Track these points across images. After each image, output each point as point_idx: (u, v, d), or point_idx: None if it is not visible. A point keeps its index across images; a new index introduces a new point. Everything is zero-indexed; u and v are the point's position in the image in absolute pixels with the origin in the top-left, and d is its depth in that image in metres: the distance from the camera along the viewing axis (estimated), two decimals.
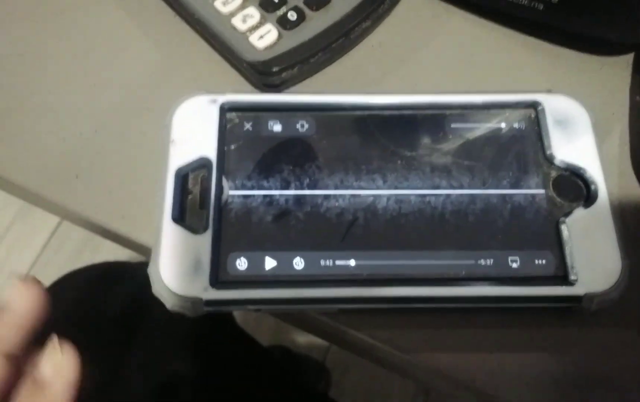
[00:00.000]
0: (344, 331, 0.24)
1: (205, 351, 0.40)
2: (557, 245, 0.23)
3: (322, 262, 0.23)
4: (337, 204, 0.24)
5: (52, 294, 0.37)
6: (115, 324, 0.39)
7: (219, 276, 0.22)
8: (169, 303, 0.22)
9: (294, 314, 0.25)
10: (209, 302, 0.22)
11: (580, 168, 0.24)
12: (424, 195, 0.24)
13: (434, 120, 0.25)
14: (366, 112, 0.26)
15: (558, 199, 0.24)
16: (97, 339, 0.38)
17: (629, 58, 0.28)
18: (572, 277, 0.22)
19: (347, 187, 0.24)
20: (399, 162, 0.24)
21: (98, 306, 0.40)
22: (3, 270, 0.88)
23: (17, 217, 0.91)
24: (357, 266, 0.23)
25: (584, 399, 0.22)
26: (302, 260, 0.23)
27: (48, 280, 0.42)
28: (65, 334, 0.37)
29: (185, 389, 0.37)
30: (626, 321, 0.23)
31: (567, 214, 0.23)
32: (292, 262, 0.23)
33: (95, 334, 0.38)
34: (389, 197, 0.24)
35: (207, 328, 0.40)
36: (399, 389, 0.66)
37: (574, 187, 0.24)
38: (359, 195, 0.24)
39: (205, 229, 0.23)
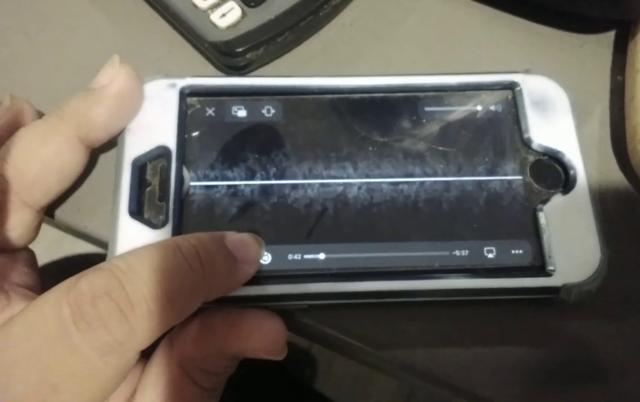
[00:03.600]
0: (314, 327, 0.23)
1: None
2: (535, 234, 0.22)
3: (290, 256, 0.22)
4: (305, 194, 0.22)
5: None
6: None
7: None
8: None
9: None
10: None
11: (558, 152, 0.23)
12: (397, 184, 0.23)
13: (406, 104, 0.24)
14: (336, 96, 0.24)
15: (535, 185, 0.23)
16: None
17: (611, 36, 0.27)
18: (550, 268, 0.21)
19: (315, 176, 0.23)
20: (370, 148, 0.23)
21: None
22: None
23: None
24: (326, 260, 0.22)
25: (563, 392, 0.21)
26: (269, 254, 0.22)
27: None
28: None
29: None
30: (606, 311, 0.22)
31: (545, 201, 0.22)
32: None
33: None
34: (359, 186, 0.23)
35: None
36: (385, 379, 0.66)
37: (552, 172, 0.23)
38: (328, 185, 0.23)
39: (164, 223, 0.22)
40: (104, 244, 0.23)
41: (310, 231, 0.22)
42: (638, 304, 0.22)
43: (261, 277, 0.21)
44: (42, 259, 0.42)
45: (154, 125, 0.23)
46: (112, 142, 0.23)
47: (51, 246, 0.83)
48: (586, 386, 0.21)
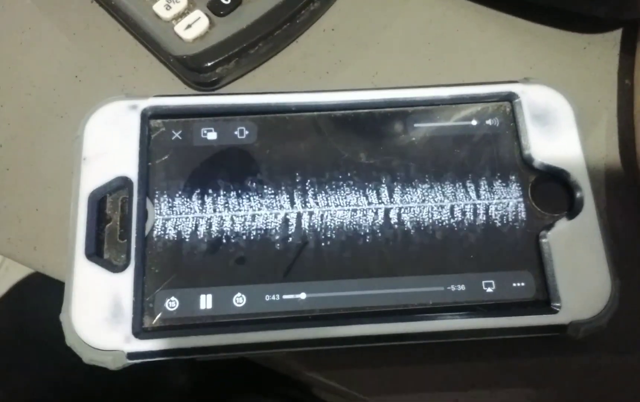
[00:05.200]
0: (297, 371, 0.21)
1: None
2: (538, 264, 0.20)
3: (267, 298, 0.19)
4: (283, 227, 0.20)
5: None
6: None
7: (144, 323, 0.19)
8: (85, 357, 0.18)
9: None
10: (132, 355, 0.18)
11: (562, 171, 0.21)
12: (384, 211, 0.20)
13: (394, 120, 0.22)
14: (316, 113, 0.22)
15: (538, 209, 0.20)
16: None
17: (617, 35, 0.25)
18: (555, 303, 0.19)
19: (295, 206, 0.20)
20: (355, 172, 0.21)
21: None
22: None
23: None
24: (307, 300, 0.19)
25: None
26: (244, 296, 0.19)
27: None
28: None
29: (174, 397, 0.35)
30: (617, 344, 0.20)
31: (549, 227, 0.20)
32: (231, 300, 0.19)
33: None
34: (343, 215, 0.20)
35: None
36: None
37: (556, 194, 0.21)
38: (309, 215, 0.20)
39: (126, 265, 0.19)
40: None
41: (289, 268, 0.20)
42: None
43: (235, 323, 0.19)
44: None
45: (113, 153, 0.21)
46: (70, 171, 0.20)
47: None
48: None
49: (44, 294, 0.37)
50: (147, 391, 0.35)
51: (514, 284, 0.20)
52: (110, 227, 0.20)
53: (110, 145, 0.21)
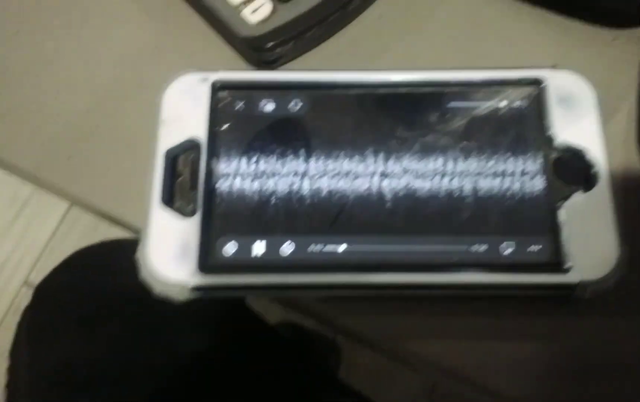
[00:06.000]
0: (333, 317, 0.24)
1: (217, 330, 0.40)
2: (553, 231, 0.22)
3: (311, 248, 0.22)
4: (328, 187, 0.23)
5: (65, 271, 0.37)
6: (127, 301, 0.39)
7: (207, 261, 0.22)
8: (156, 288, 0.22)
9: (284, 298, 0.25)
10: (196, 288, 0.22)
11: (581, 150, 0.23)
12: (419, 178, 0.23)
13: (431, 99, 0.24)
14: (361, 91, 0.25)
15: (557, 182, 0.23)
16: (110, 317, 0.38)
17: None
18: (566, 265, 0.21)
19: (340, 170, 0.23)
20: (394, 143, 0.24)
21: (107, 284, 0.41)
22: (23, 241, 0.89)
23: (36, 189, 0.90)
24: (346, 251, 0.22)
25: (577, 389, 0.22)
26: (292, 244, 0.23)
27: (64, 253, 0.42)
28: (78, 315, 0.38)
29: (200, 366, 0.38)
30: (623, 308, 0.22)
31: (566, 198, 0.22)
32: (281, 247, 0.22)
33: (108, 312, 0.39)
34: (382, 179, 0.23)
35: (218, 306, 0.41)
36: (408, 372, 0.66)
37: (574, 169, 0.23)
38: (352, 178, 0.23)
39: (194, 212, 0.23)
40: (138, 230, 0.25)
41: (332, 223, 0.23)
42: None
43: (283, 266, 0.22)
44: (80, 242, 0.44)
45: (186, 118, 0.24)
46: (148, 133, 0.24)
47: (88, 231, 0.87)
48: (601, 383, 0.22)
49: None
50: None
51: (531, 247, 0.22)
52: (182, 180, 0.24)
53: (184, 112, 0.24)
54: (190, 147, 0.24)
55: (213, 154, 0.24)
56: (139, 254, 0.22)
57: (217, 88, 0.25)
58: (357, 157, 0.24)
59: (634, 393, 0.22)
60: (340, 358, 0.67)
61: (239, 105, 0.25)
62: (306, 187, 0.23)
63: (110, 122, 0.27)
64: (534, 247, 0.22)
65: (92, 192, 0.25)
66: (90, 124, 0.27)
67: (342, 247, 0.22)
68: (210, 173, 0.23)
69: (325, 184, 0.23)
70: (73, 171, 0.26)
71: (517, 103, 0.24)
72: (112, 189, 0.25)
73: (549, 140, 0.23)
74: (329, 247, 0.22)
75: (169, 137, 0.24)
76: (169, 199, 0.23)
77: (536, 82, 0.24)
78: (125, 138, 0.26)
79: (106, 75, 0.28)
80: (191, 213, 0.23)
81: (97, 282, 0.41)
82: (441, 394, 0.65)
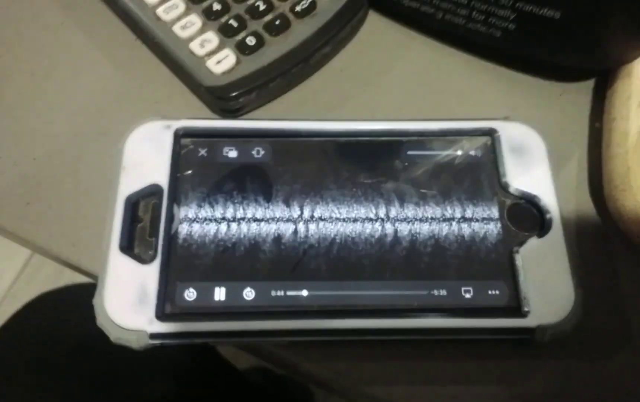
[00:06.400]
0: (297, 363, 0.23)
1: (184, 376, 0.39)
2: (511, 275, 0.22)
3: (273, 293, 0.22)
4: (290, 233, 0.23)
5: (24, 315, 0.36)
6: (86, 348, 0.38)
7: (166, 308, 0.22)
8: (112, 335, 0.21)
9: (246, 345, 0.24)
10: (154, 335, 0.21)
11: (534, 196, 0.24)
12: (379, 224, 0.23)
13: (390, 148, 0.25)
14: (322, 139, 0.25)
15: (512, 228, 0.23)
16: (68, 365, 0.37)
17: (590, 84, 0.28)
18: (525, 309, 0.22)
19: (301, 216, 0.24)
20: (355, 190, 0.24)
21: (67, 329, 0.39)
22: None
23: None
24: (308, 297, 0.22)
25: None
26: (253, 290, 0.22)
27: (29, 297, 0.41)
28: (36, 359, 0.36)
29: None
30: (582, 350, 0.23)
31: (521, 243, 0.23)
32: (242, 293, 0.22)
33: (66, 360, 0.37)
34: (343, 225, 0.23)
35: (183, 352, 0.40)
36: None
37: (528, 216, 0.24)
38: (312, 224, 0.23)
39: (153, 258, 0.22)
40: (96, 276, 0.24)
41: (294, 268, 0.23)
42: (612, 344, 0.23)
43: (244, 313, 0.22)
44: (46, 286, 0.43)
45: (148, 164, 0.24)
46: (107, 180, 0.24)
47: (55, 274, 0.85)
48: None
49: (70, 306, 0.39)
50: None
51: (490, 292, 0.22)
52: (142, 227, 0.24)
53: (146, 158, 0.24)
54: (151, 192, 0.24)
55: (174, 199, 0.24)
56: (96, 301, 0.22)
57: (180, 135, 0.25)
58: (318, 204, 0.24)
59: None
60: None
61: (202, 152, 0.25)
62: (268, 232, 0.23)
63: (71, 168, 0.26)
64: (493, 292, 0.22)
65: (50, 239, 0.25)
66: (49, 171, 0.26)
67: (304, 293, 0.22)
68: (171, 219, 0.23)
69: (286, 230, 0.23)
70: (31, 218, 0.25)
71: (472, 152, 0.25)
72: (71, 235, 0.25)
73: (503, 188, 0.24)
74: (291, 293, 0.22)
75: (130, 183, 0.24)
76: (128, 245, 0.23)
77: (489, 133, 0.25)
78: (85, 185, 0.26)
79: (68, 123, 0.28)
80: (151, 259, 0.22)
81: (57, 327, 0.40)
82: None
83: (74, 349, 0.38)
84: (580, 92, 0.28)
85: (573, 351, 0.22)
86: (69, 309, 0.41)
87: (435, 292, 0.22)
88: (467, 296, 0.22)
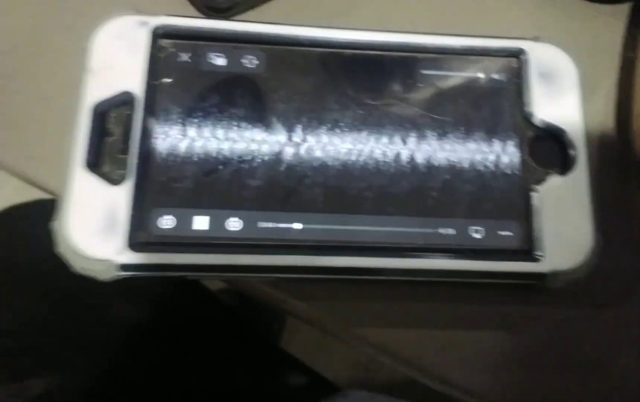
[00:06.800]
0: (283, 300, 0.21)
1: (152, 299, 0.38)
2: (525, 216, 0.20)
3: (263, 225, 0.20)
4: (283, 157, 0.20)
5: None
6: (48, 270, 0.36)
7: (138, 236, 0.19)
8: (76, 265, 0.19)
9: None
10: (125, 267, 0.19)
11: (560, 130, 0.21)
12: (384, 152, 0.21)
13: (402, 65, 0.22)
14: (325, 50, 0.22)
15: (532, 164, 0.21)
16: (30, 285, 0.35)
17: (625, 8, 0.25)
18: (538, 253, 0.20)
19: (296, 138, 0.21)
20: (358, 111, 0.21)
21: (28, 249, 0.37)
22: None
23: None
24: (301, 230, 0.20)
25: (540, 382, 0.20)
26: (239, 220, 0.20)
27: None
28: None
29: (137, 336, 0.35)
30: (593, 299, 0.21)
31: (540, 181, 0.21)
32: (227, 223, 0.20)
33: (27, 280, 0.35)
34: (343, 151, 0.21)
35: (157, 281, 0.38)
36: (345, 350, 0.64)
37: (551, 151, 0.21)
38: (309, 149, 0.21)
39: (124, 179, 0.20)
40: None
41: (287, 197, 0.20)
42: (624, 292, 0.21)
43: (228, 245, 0.19)
44: (14, 198, 0.40)
45: (120, 68, 0.21)
46: (72, 84, 0.20)
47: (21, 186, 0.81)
48: (566, 375, 0.20)
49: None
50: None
51: (501, 233, 0.20)
52: (111, 142, 0.20)
53: (117, 60, 0.21)
54: (123, 101, 0.20)
55: (151, 111, 0.20)
56: (55, 225, 0.19)
57: (159, 35, 0.21)
58: (317, 126, 0.21)
59: (598, 387, 0.20)
60: (283, 327, 0.66)
61: (184, 56, 0.21)
62: (258, 155, 0.20)
63: (29, 68, 0.23)
64: (505, 233, 0.20)
65: (3, 149, 0.22)
66: (3, 70, 0.23)
67: (297, 226, 0.20)
68: (146, 134, 0.20)
69: (280, 154, 0.20)
70: None
71: (496, 75, 0.22)
72: (28, 146, 0.22)
73: (526, 118, 0.21)
74: (283, 225, 0.20)
75: (98, 89, 0.20)
76: (94, 162, 0.20)
77: (517, 54, 0.22)
78: (45, 88, 0.23)
79: (27, 14, 0.24)
80: (121, 179, 0.20)
81: (17, 246, 0.37)
82: (379, 364, 0.64)
83: (35, 267, 0.35)
84: (616, 16, 0.25)
85: (584, 298, 0.21)
86: (29, 227, 0.38)
87: (442, 230, 0.20)
88: (476, 236, 0.20)
